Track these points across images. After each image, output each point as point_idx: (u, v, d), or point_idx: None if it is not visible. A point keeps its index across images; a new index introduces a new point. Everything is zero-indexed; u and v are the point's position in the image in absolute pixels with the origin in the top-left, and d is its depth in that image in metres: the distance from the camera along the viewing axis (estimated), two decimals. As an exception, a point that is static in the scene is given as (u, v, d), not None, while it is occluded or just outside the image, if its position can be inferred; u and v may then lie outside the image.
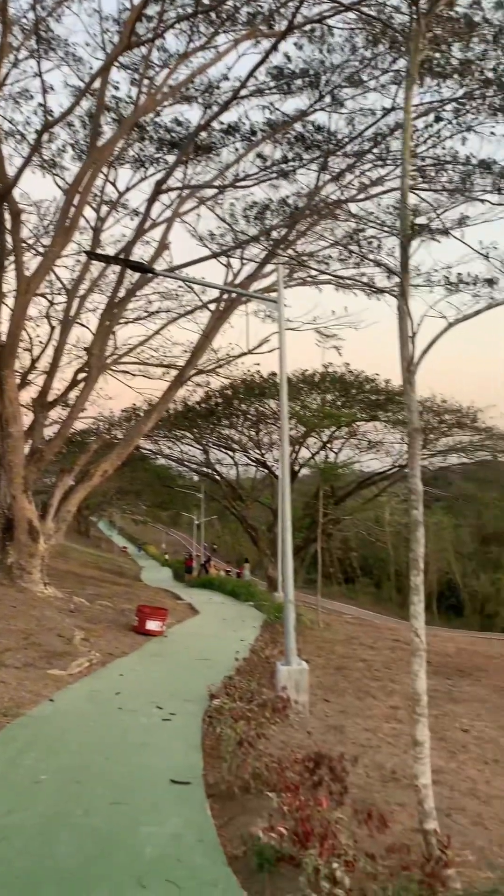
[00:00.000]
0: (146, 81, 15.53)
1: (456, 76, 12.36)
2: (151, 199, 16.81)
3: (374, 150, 15.15)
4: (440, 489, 35.95)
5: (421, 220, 11.11)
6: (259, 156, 16.18)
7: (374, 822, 5.29)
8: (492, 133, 12.93)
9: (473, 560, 42.02)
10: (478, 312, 5.99)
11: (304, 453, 30.04)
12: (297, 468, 30.08)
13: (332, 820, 5.11)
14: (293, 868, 4.69)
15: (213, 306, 18.69)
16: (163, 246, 16.99)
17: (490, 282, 11.47)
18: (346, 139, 15.15)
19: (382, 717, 10.19)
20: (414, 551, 5.81)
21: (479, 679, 14.60)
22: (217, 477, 34.22)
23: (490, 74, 12.22)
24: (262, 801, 5.75)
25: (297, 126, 15.45)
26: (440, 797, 6.88)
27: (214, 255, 17.26)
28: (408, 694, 5.64)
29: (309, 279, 17.81)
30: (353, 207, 15.74)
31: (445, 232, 10.97)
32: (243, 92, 15.24)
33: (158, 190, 16.64)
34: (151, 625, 14.79)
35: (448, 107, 13.31)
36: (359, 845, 5.11)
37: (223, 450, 32.66)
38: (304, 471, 31.51)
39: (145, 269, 12.54)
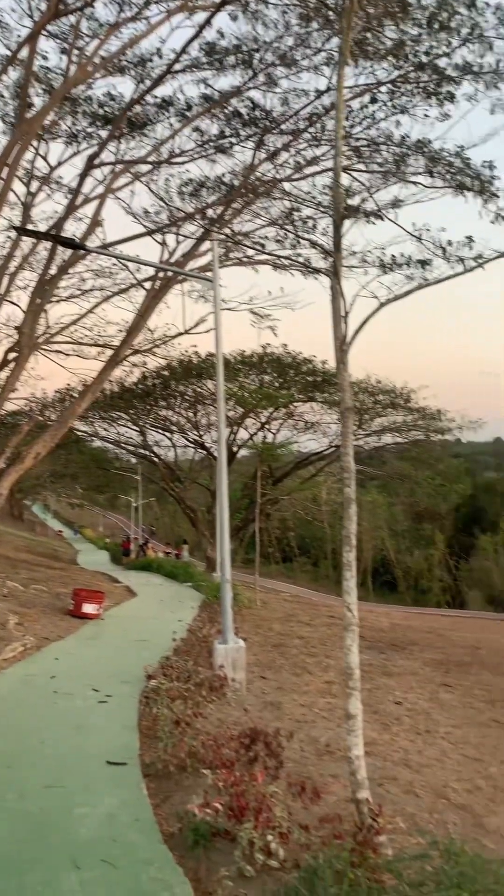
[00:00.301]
0: (76, 52, 15.07)
1: (391, 58, 12.41)
2: (83, 174, 16.40)
3: (310, 130, 15.12)
4: (375, 468, 36.55)
5: (355, 200, 11.19)
6: (196, 130, 15.95)
7: (307, 795, 5.39)
8: (425, 116, 13.06)
9: (407, 537, 43.02)
10: (408, 293, 6.07)
11: (243, 434, 30.10)
12: (235, 449, 30.12)
13: (267, 794, 5.18)
14: (229, 842, 4.74)
15: (148, 285, 18.43)
16: (95, 222, 16.62)
17: (423, 263, 11.62)
18: (282, 117, 15.08)
19: (318, 693, 10.37)
20: (346, 528, 5.88)
21: (411, 653, 15.01)
22: (155, 459, 33.97)
23: (424, 58, 12.33)
24: (198, 779, 5.79)
25: (233, 102, 15.28)
26: (373, 768, 7.06)
27: (149, 233, 16.99)
28: (342, 669, 5.75)
29: (245, 259, 17.72)
30: (288, 187, 15.71)
31: (379, 213, 11.06)
32: (177, 66, 14.96)
33: (91, 165, 16.24)
34: (88, 608, 14.64)
35: (383, 89, 13.38)
36: (293, 817, 5.20)
37: (161, 431, 32.42)
38: (243, 452, 31.58)
39: (76, 246, 12.26)
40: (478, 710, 10.63)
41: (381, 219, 12.12)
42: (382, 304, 6.02)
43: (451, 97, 12.11)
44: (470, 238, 9.50)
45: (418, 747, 8.41)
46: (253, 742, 6.39)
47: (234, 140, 15.75)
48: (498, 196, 12.10)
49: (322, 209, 14.02)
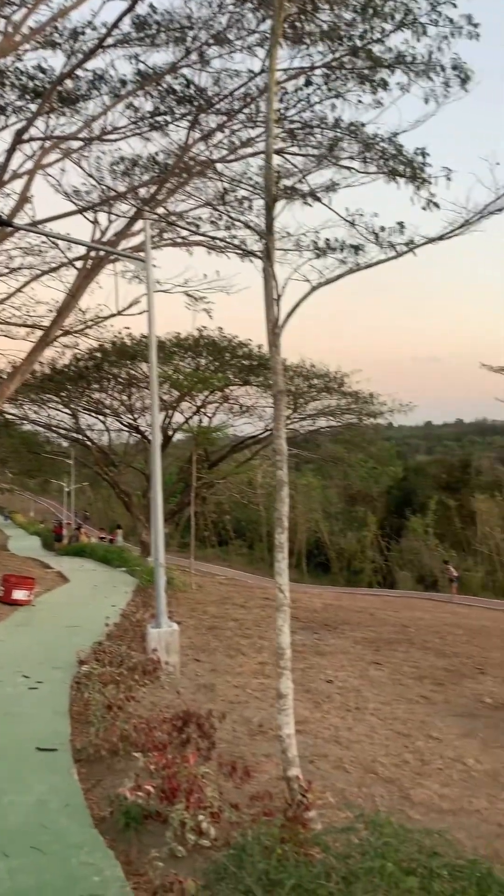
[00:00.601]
0: (3, 20, 14.51)
1: (325, 42, 12.40)
2: (11, 150, 15.85)
3: (245, 111, 15.00)
4: (310, 452, 36.93)
5: (288, 183, 11.19)
6: (129, 107, 15.59)
7: (238, 774, 5.45)
8: (359, 101, 13.11)
9: (340, 519, 43.72)
10: (340, 276, 6.12)
11: (178, 418, 29.92)
12: (170, 433, 29.95)
13: (199, 775, 5.21)
14: (160, 824, 4.76)
15: (79, 264, 18.01)
16: (24, 198, 16.11)
17: (356, 248, 11.71)
18: (217, 97, 14.90)
19: (251, 674, 10.47)
20: (279, 510, 5.92)
21: (343, 632, 15.30)
22: (88, 443, 33.42)
23: (358, 43, 12.36)
24: (130, 763, 5.78)
25: (167, 80, 15.00)
26: (304, 745, 7.18)
27: (80, 211, 16.58)
28: (275, 649, 5.82)
29: (180, 240, 17.52)
30: (224, 168, 15.56)
31: (313, 195, 11.09)
32: (109, 41, 14.58)
33: (19, 139, 15.70)
34: (18, 594, 14.38)
35: (318, 72, 13.36)
36: (224, 797, 5.25)
37: (94, 415, 31.89)
38: (179, 435, 31.41)
39: (3, 223, 11.89)
40: (406, 686, 10.93)
41: (316, 202, 12.16)
42: (314, 288, 6.05)
43: (384, 84, 12.19)
44: (401, 224, 9.64)
45: (348, 724, 8.59)
46: (185, 724, 6.41)
47: (168, 118, 15.49)
48: (429, 182, 12.27)
49: (256, 191, 13.97)
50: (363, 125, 12.80)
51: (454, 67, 11.44)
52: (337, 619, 17.17)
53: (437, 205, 12.21)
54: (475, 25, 11.10)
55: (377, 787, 6.67)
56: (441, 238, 6.00)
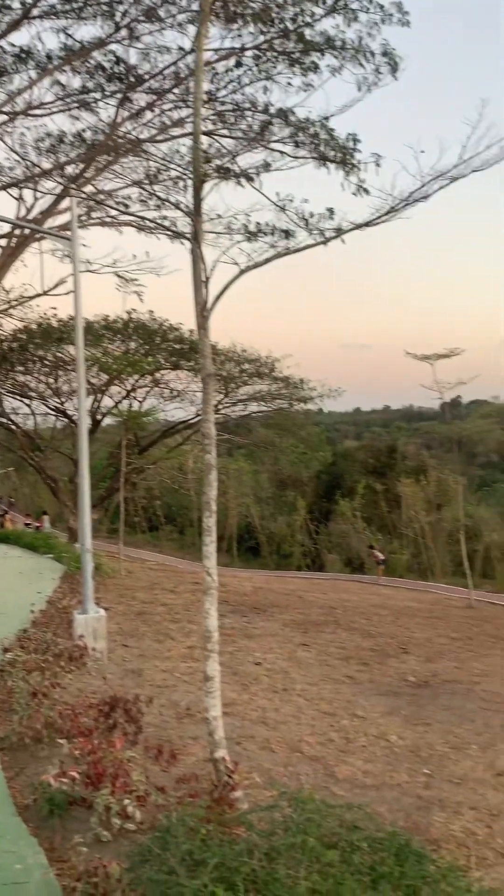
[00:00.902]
0: None
1: (258, 23, 12.29)
2: None
3: (175, 91, 14.75)
4: (241, 436, 36.99)
5: (218, 163, 11.07)
6: (56, 83, 15.11)
7: (164, 757, 5.45)
8: (289, 84, 13.06)
9: (271, 504, 44.04)
10: (268, 260, 6.12)
11: (108, 402, 29.41)
12: (99, 417, 29.43)
13: (125, 759, 5.19)
14: (86, 810, 4.71)
15: (2, 242, 17.47)
16: None
17: (287, 233, 11.71)
18: (147, 75, 14.60)
19: (180, 658, 10.47)
20: (207, 494, 5.92)
21: (272, 615, 15.46)
22: (12, 427, 32.53)
23: (289, 24, 12.29)
24: (54, 749, 5.70)
25: (96, 55, 14.59)
26: (232, 727, 7.25)
27: (3, 187, 16.05)
28: (204, 633, 5.83)
29: (108, 219, 17.16)
30: (153, 148, 15.29)
31: (245, 176, 11.00)
32: (35, 12, 14.08)
33: None
34: None
35: (248, 53, 13.24)
36: (151, 780, 5.24)
37: (18, 398, 31.01)
38: (108, 420, 30.87)
39: None
40: (333, 667, 11.14)
41: (248, 183, 12.07)
42: (243, 271, 6.04)
43: (314, 67, 12.19)
44: (331, 210, 9.68)
45: (275, 705, 8.71)
46: (112, 709, 6.36)
47: (96, 95, 15.09)
48: (359, 169, 12.36)
49: (186, 171, 13.79)
50: (293, 111, 12.76)
51: (384, 54, 11.53)
52: (266, 602, 17.33)
53: (366, 191, 12.29)
54: (405, 13, 11.21)
55: (303, 765, 6.80)
56: (368, 224, 6.07)
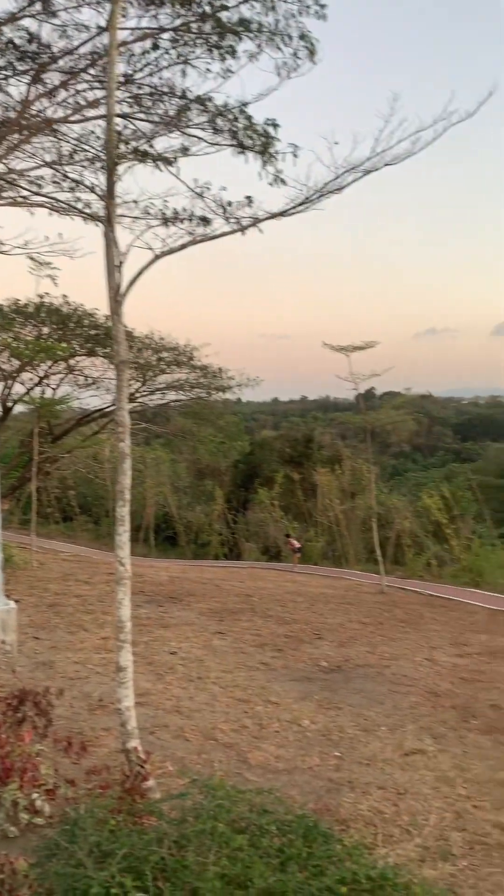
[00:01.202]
0: None
1: (176, 4, 12.10)
2: None
3: (92, 71, 14.37)
4: (159, 426, 36.68)
5: (133, 146, 10.89)
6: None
7: (74, 749, 5.37)
8: (208, 70, 12.95)
9: (189, 493, 43.89)
10: (183, 246, 6.07)
11: (19, 388, 28.55)
12: (10, 404, 28.57)
13: (34, 753, 5.08)
14: (-8, 807, 4.59)
15: None
16: None
17: (205, 220, 11.63)
18: (62, 53, 14.16)
19: (93, 649, 10.33)
20: (120, 483, 5.84)
21: (189, 604, 15.45)
22: None
23: (207, 8, 12.17)
24: (-41, 746, 5.51)
25: (6, 31, 14.04)
26: (145, 717, 7.21)
27: None
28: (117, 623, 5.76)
29: (20, 199, 16.59)
30: (67, 128, 14.86)
31: (163, 159, 10.85)
32: None
33: None
34: None
35: (166, 36, 13.03)
36: (61, 773, 5.16)
37: None
38: (19, 407, 29.97)
39: None
40: (248, 654, 11.23)
41: (166, 166, 11.91)
42: (158, 257, 5.96)
43: (232, 52, 12.12)
44: (249, 198, 9.67)
45: (190, 694, 8.71)
46: (21, 703, 6.19)
47: (7, 72, 14.54)
48: (276, 158, 12.40)
49: (100, 153, 13.47)
50: (210, 97, 12.66)
51: (301, 37, 11.57)
52: (183, 591, 17.30)
53: (283, 181, 12.36)
54: (322, 6, 11.27)
55: (216, 752, 6.83)
56: (283, 214, 6.10)
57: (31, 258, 17.75)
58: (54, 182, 16.01)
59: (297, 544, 28.03)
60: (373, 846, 4.90)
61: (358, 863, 3.42)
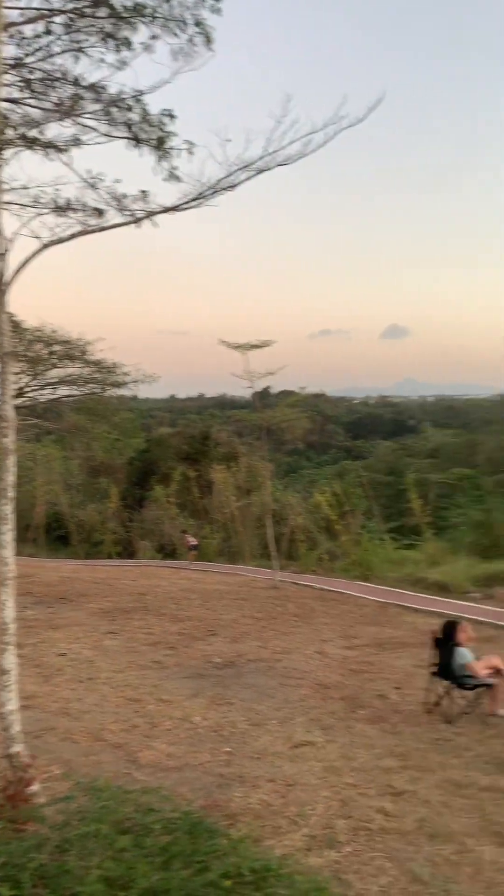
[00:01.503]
0: None
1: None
2: None
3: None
4: (50, 421, 35.66)
5: (22, 133, 10.53)
6: None
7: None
8: (102, 60, 12.69)
9: (82, 491, 42.99)
10: (73, 236, 5.94)
11: None
12: None
13: None
14: None
15: None
16: None
17: (98, 211, 11.41)
18: None
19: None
20: (4, 480, 5.64)
21: (80, 604, 15.13)
22: None
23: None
24: None
25: None
26: (32, 720, 7.00)
27: None
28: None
29: None
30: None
31: (55, 148, 10.54)
32: None
33: None
34: None
35: (59, 20, 12.68)
36: None
37: None
38: None
39: None
40: (140, 653, 11.12)
41: (56, 156, 11.58)
42: (45, 246, 5.81)
43: (127, 42, 11.94)
44: (144, 192, 9.55)
45: (79, 695, 8.54)
46: None
47: None
48: (170, 154, 12.31)
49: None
50: (104, 87, 12.42)
51: (197, 24, 11.54)
52: (74, 591, 16.93)
53: (178, 178, 12.30)
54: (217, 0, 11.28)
55: (105, 753, 6.73)
56: (176, 209, 6.08)
57: None
58: None
59: (193, 541, 28.00)
60: (261, 839, 4.96)
61: (242, 856, 3.44)
